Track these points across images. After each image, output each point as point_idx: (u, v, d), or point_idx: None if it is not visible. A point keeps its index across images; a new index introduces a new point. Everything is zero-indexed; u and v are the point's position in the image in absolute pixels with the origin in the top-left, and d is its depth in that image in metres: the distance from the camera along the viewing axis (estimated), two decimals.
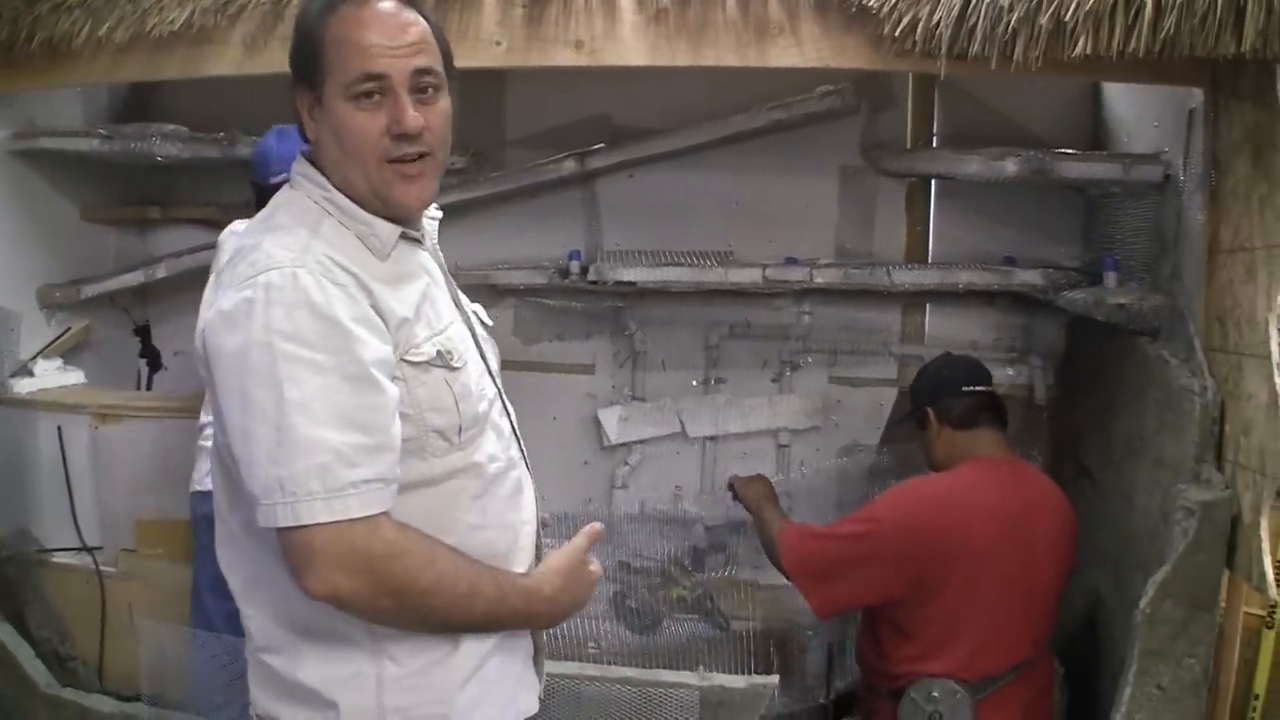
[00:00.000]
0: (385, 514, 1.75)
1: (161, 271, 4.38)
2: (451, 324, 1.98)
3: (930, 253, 4.45)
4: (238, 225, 3.45)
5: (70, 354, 4.41)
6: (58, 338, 4.39)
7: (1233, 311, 2.98)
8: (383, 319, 1.80)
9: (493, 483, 1.97)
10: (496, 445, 2.00)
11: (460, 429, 1.90)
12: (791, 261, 4.19)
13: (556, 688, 2.96)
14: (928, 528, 3.23)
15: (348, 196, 1.90)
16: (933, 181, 4.41)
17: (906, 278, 4.10)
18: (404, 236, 1.95)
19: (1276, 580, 2.82)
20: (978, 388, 3.54)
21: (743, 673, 3.94)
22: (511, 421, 2.10)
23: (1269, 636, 3.14)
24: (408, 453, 1.82)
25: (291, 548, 1.71)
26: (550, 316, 4.61)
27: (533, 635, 2.12)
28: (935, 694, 3.21)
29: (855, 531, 3.33)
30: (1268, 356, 2.75)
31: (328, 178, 1.92)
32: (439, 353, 1.89)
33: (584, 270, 4.24)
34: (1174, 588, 2.91)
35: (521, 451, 2.10)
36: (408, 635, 1.86)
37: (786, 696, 3.95)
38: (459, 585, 1.81)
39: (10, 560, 4.06)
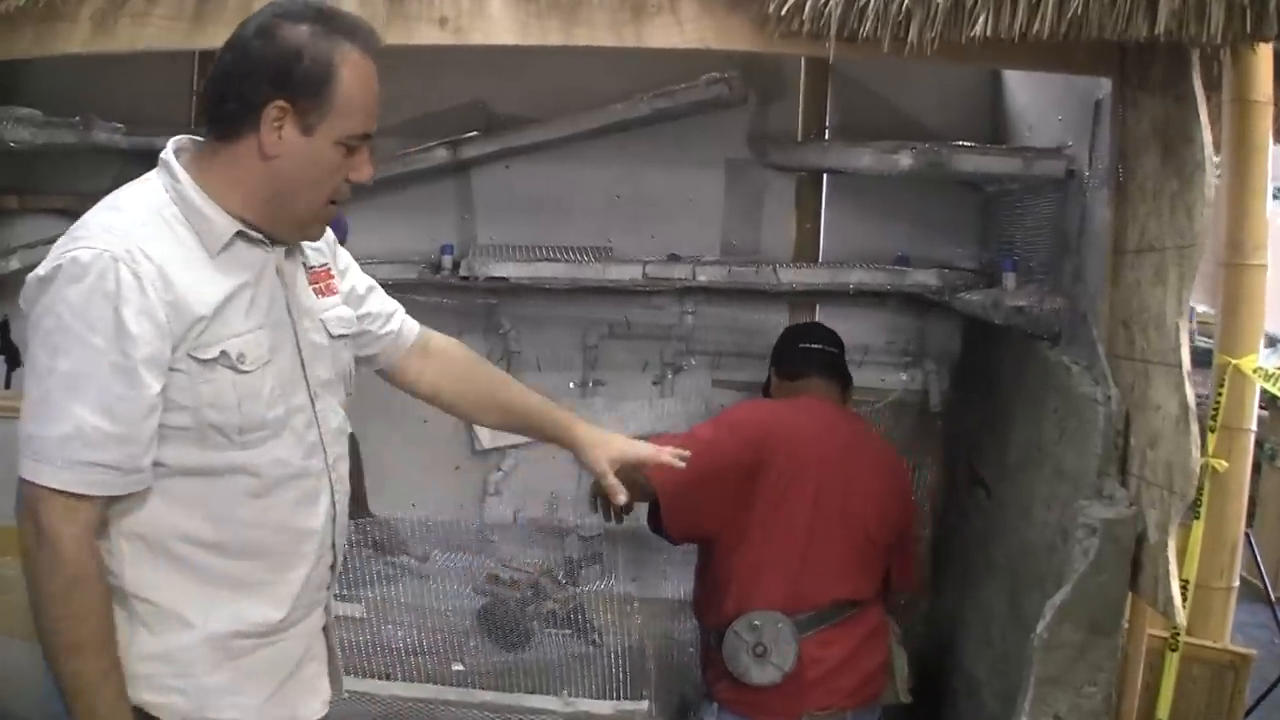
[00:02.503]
0: (97, 504, 1.86)
1: (15, 263, 4.03)
2: (260, 329, 2.02)
3: (821, 251, 4.26)
4: None
5: None
6: None
7: (1139, 315, 2.79)
8: (175, 312, 1.88)
9: (276, 485, 2.04)
10: (291, 452, 2.06)
11: (240, 429, 1.97)
12: (674, 258, 3.99)
13: (410, 712, 2.82)
14: (759, 427, 3.35)
15: (220, 202, 1.98)
16: (824, 177, 4.22)
17: (794, 277, 3.93)
18: (244, 236, 2.01)
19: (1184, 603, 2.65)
20: (813, 345, 3.64)
21: (617, 692, 3.77)
22: (320, 432, 2.13)
23: (1172, 659, 2.96)
24: (186, 440, 1.93)
25: (25, 498, 1.85)
26: (420, 314, 4.21)
27: (327, 639, 2.26)
28: (757, 623, 3.22)
29: (708, 433, 3.35)
30: (1178, 365, 2.56)
31: (204, 174, 1.99)
32: (224, 353, 1.94)
33: (456, 265, 4.02)
34: (1073, 611, 2.72)
35: (327, 464, 2.14)
36: (158, 607, 1.95)
37: (664, 717, 3.79)
38: (69, 630, 1.86)
39: None
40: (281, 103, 1.92)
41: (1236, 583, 3.32)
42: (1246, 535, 3.50)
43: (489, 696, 2.94)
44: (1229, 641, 3.29)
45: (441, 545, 4.12)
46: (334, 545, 2.19)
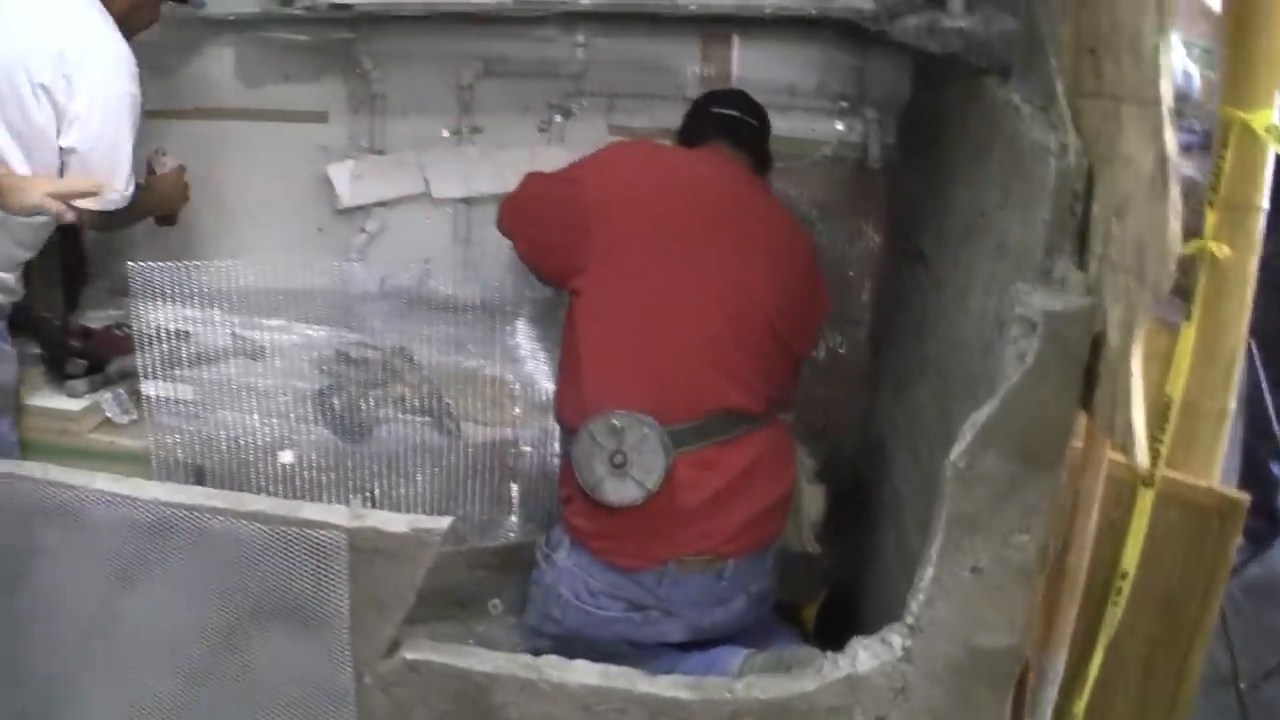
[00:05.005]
0: None
1: None
2: None
3: None
4: None
5: None
6: None
7: (1110, 38, 2.03)
8: None
9: None
10: None
11: None
12: None
13: (173, 520, 2.31)
14: (608, 165, 2.91)
15: None
16: None
17: None
18: None
19: (1152, 438, 1.98)
20: (726, 110, 3.14)
21: (481, 490, 3.46)
22: None
23: (1146, 497, 2.29)
24: None
25: None
26: (276, 54, 3.70)
27: None
28: (618, 425, 2.64)
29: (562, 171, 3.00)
30: (1155, 102, 1.82)
31: None
32: None
33: None
34: (1001, 433, 2.06)
35: None
36: None
37: (532, 523, 3.46)
38: None
39: None
40: None
41: (1233, 405, 2.65)
42: (1250, 346, 2.77)
43: (263, 505, 2.37)
44: (1218, 480, 2.63)
45: (300, 318, 3.52)
46: None
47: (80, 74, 2.85)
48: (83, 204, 2.85)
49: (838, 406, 3.68)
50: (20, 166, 2.86)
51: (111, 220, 3.13)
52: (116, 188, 2.96)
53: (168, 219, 3.47)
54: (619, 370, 2.71)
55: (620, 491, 2.61)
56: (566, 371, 2.88)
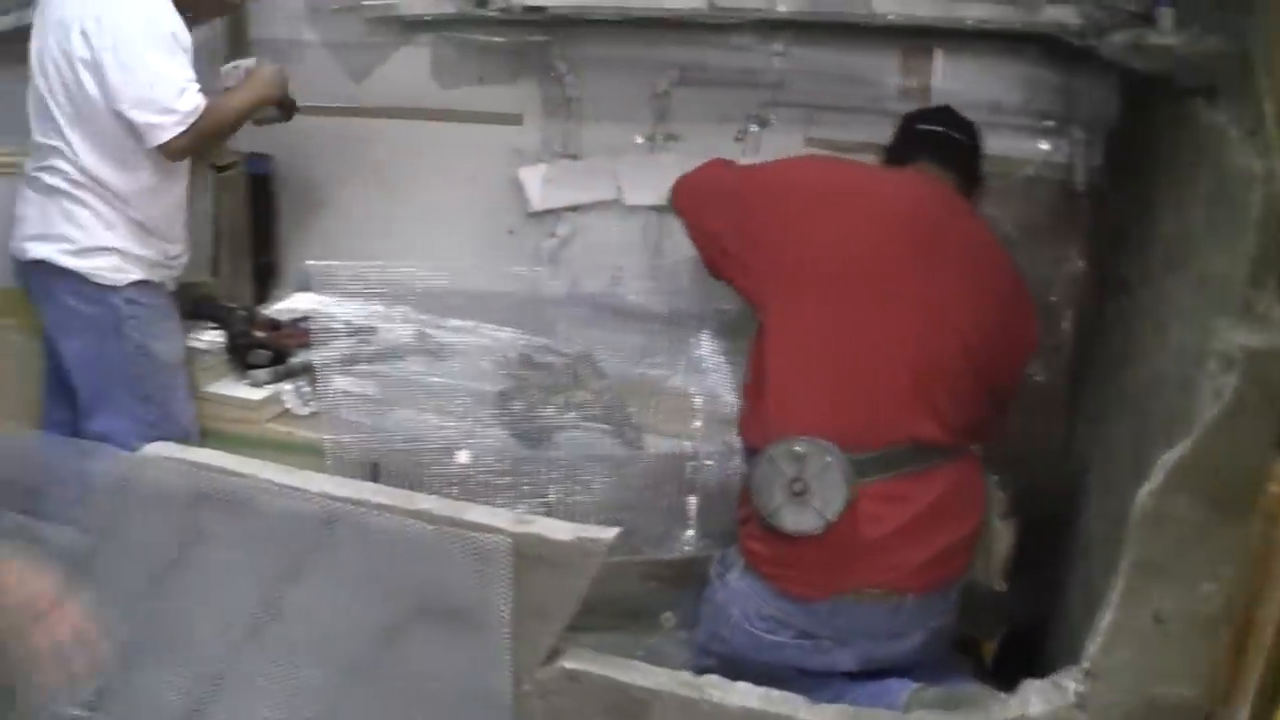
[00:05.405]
0: None
1: None
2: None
3: None
4: None
5: None
6: None
7: None
8: None
9: None
10: None
11: None
12: None
13: (340, 513, 2.37)
14: (800, 177, 2.87)
15: None
16: None
17: (894, 7, 3.11)
18: None
19: None
20: (933, 127, 3.03)
21: (658, 503, 3.36)
22: None
23: None
24: None
25: None
26: (472, 55, 3.74)
27: None
28: (800, 451, 2.53)
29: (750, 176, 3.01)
30: None
31: None
32: None
33: None
34: (1193, 475, 1.96)
35: None
36: None
37: (709, 539, 3.31)
38: None
39: None
40: None
41: None
42: None
43: (429, 504, 2.40)
44: None
45: (487, 319, 3.62)
46: None
47: (95, 26, 2.97)
48: (155, 138, 3.01)
49: (1032, 435, 3.54)
50: (89, 156, 3.06)
51: (202, 138, 3.14)
52: (172, 108, 3.02)
53: (284, 109, 3.46)
54: (805, 394, 2.63)
55: (799, 520, 2.52)
56: (752, 390, 2.81)
